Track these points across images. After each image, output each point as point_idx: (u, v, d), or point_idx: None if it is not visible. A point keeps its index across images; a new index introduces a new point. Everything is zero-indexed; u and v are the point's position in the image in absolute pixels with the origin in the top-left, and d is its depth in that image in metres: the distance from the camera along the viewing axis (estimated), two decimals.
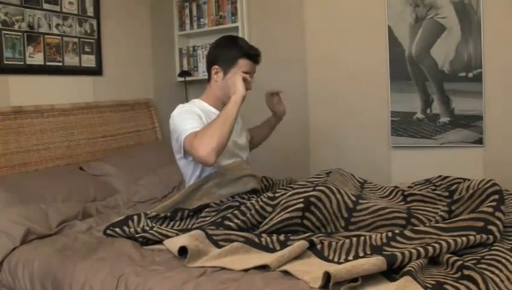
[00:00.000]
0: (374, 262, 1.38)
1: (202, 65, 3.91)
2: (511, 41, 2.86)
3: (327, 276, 1.36)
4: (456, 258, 1.42)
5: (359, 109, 3.34)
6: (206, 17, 3.85)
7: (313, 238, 1.67)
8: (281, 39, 3.63)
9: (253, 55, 2.26)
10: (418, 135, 3.14)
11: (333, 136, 3.15)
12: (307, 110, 3.55)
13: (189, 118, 2.16)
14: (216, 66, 2.25)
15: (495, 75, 2.91)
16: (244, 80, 2.10)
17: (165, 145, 3.64)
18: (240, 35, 3.66)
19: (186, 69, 3.99)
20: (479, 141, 2.98)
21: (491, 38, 2.90)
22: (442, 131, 3.09)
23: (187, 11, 3.94)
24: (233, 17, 3.72)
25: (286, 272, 1.51)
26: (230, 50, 2.24)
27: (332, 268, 1.37)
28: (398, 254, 1.42)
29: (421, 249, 1.46)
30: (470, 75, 2.97)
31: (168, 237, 1.87)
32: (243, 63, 2.23)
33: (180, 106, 2.27)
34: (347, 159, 3.28)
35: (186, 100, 3.86)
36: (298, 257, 1.59)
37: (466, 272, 1.33)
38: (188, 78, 3.91)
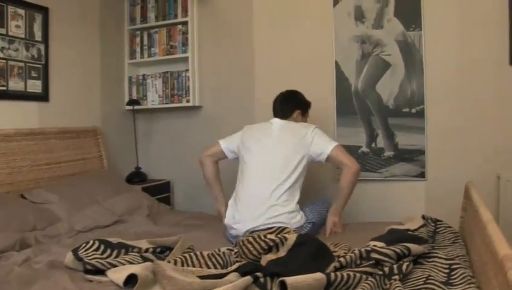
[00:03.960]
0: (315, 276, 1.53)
1: (151, 94, 3.90)
2: (451, 79, 2.99)
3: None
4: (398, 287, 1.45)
5: None
6: (157, 46, 3.85)
7: (257, 273, 1.68)
8: (230, 70, 3.67)
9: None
10: (363, 169, 3.20)
11: None
12: None
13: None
14: (300, 110, 2.83)
15: (436, 111, 3.03)
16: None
17: (111, 174, 3.58)
18: (190, 65, 3.69)
19: (135, 98, 3.95)
20: (422, 175, 3.07)
21: (433, 76, 3.03)
22: (387, 165, 3.17)
23: (138, 39, 3.92)
24: (183, 48, 3.73)
25: None
26: (306, 101, 2.89)
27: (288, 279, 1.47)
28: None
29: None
30: (413, 110, 3.08)
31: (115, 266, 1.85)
32: (309, 111, 2.94)
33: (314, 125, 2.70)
34: None
35: (134, 129, 3.86)
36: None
37: None
38: (136, 107, 3.87)
